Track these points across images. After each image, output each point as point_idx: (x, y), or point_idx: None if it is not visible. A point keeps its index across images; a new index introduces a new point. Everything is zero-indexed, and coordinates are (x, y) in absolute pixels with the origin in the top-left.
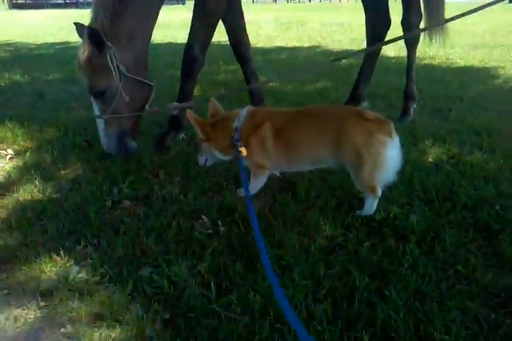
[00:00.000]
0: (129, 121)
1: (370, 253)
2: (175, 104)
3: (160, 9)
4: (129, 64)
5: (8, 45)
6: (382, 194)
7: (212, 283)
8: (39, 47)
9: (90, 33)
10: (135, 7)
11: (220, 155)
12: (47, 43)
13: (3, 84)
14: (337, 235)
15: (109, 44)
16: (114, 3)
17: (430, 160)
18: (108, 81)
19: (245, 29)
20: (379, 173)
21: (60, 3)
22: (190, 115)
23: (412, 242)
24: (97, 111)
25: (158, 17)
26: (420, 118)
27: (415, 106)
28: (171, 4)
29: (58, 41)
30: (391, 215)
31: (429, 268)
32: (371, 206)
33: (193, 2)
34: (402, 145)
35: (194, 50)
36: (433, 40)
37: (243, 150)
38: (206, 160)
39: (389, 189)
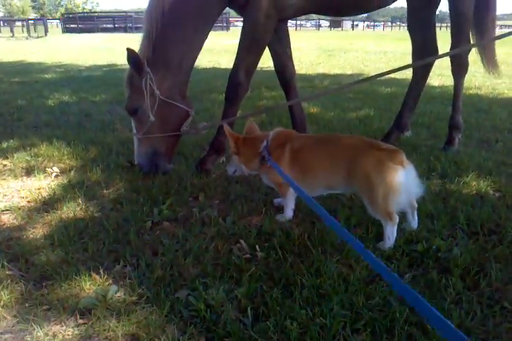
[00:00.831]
0: (162, 142)
1: (412, 285)
2: (203, 123)
3: (204, 40)
4: (165, 89)
5: (59, 66)
6: (424, 225)
7: (249, 308)
8: (88, 69)
9: (130, 57)
10: (177, 37)
11: (245, 169)
12: (95, 65)
13: (52, 104)
14: None
15: (148, 69)
16: (156, 31)
17: (475, 192)
18: (141, 102)
19: (291, 57)
20: (391, 200)
21: (109, 28)
22: (227, 129)
23: (455, 276)
24: (133, 129)
25: (205, 43)
26: (465, 148)
27: (460, 136)
28: (215, 30)
29: (106, 63)
30: (433, 247)
31: (473, 303)
32: (392, 234)
33: (237, 28)
34: (445, 175)
35: (239, 76)
36: (488, 71)
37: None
38: (235, 171)
39: (431, 220)
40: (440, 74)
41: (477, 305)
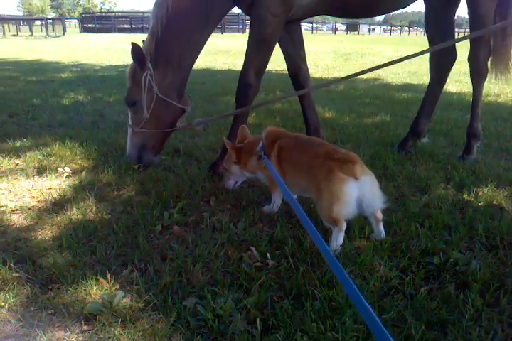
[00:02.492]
0: (152, 136)
1: (428, 299)
2: (198, 119)
3: (206, 40)
4: (164, 87)
5: (76, 66)
6: (441, 236)
7: (258, 319)
8: (103, 69)
9: (133, 50)
10: (179, 36)
11: (247, 173)
12: (111, 65)
13: (67, 104)
14: (392, 277)
15: (149, 65)
16: (160, 30)
17: (495, 203)
18: (139, 96)
19: (305, 60)
20: (336, 208)
21: (126, 28)
22: (228, 142)
23: (474, 291)
24: (129, 120)
25: (219, 44)
26: (484, 157)
27: (479, 144)
28: (231, 32)
29: (121, 64)
30: (451, 260)
31: (493, 321)
32: (336, 239)
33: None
34: (463, 185)
35: (249, 77)
36: (497, 78)
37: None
38: (236, 182)
39: (448, 231)
40: (458, 81)
41: (498, 323)
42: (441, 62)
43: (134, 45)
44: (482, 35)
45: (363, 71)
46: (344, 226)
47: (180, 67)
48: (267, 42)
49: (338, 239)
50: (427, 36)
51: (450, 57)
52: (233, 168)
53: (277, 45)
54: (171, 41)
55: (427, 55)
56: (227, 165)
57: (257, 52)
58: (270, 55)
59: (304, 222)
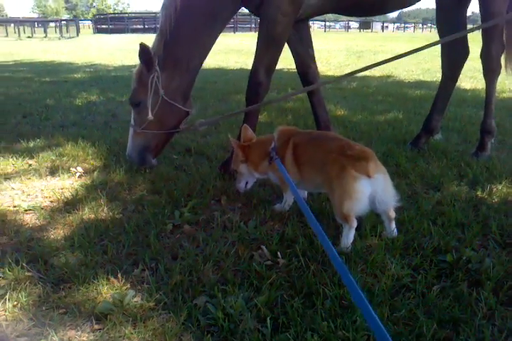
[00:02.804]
0: (154, 138)
1: (440, 297)
2: (200, 120)
3: (214, 41)
4: (170, 90)
5: (89, 66)
6: (454, 233)
7: (268, 318)
8: (116, 69)
9: (141, 51)
10: (187, 36)
11: (257, 174)
12: (124, 66)
13: (80, 104)
14: (403, 275)
15: (157, 67)
16: (168, 30)
17: (509, 199)
18: (144, 97)
19: (314, 58)
20: (348, 206)
21: (139, 28)
22: (234, 141)
23: (487, 289)
24: (132, 120)
25: (231, 43)
26: (498, 154)
27: (493, 141)
28: (244, 31)
29: (134, 64)
30: (464, 257)
31: (507, 320)
32: (347, 237)
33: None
34: (477, 182)
35: (259, 75)
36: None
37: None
38: (246, 183)
39: (461, 229)
40: (472, 77)
41: (511, 322)
42: (453, 58)
43: (142, 46)
44: (494, 31)
45: (368, 66)
46: (355, 223)
47: (187, 69)
48: (276, 41)
49: (349, 236)
50: (439, 35)
51: (462, 52)
52: (241, 167)
53: (286, 44)
54: (179, 42)
55: (440, 51)
56: (235, 166)
57: (266, 51)
58: (280, 54)
59: (312, 224)
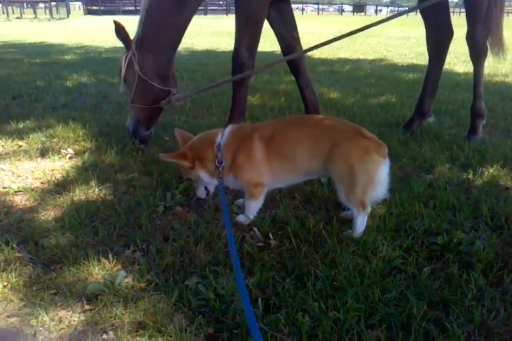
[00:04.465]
0: (141, 112)
1: (430, 279)
2: (177, 95)
3: (186, 23)
4: (144, 66)
5: (80, 48)
6: (445, 216)
7: (259, 299)
8: (107, 50)
9: (116, 29)
10: (157, 18)
11: (210, 179)
12: (115, 47)
13: (70, 85)
14: (395, 257)
15: (133, 45)
16: (143, 13)
17: (500, 183)
18: (126, 74)
19: (298, 39)
20: (371, 191)
21: (131, 10)
22: (167, 155)
23: (477, 271)
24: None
25: (224, 26)
26: (490, 138)
27: (484, 123)
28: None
29: None
30: (454, 240)
31: (496, 301)
32: (362, 224)
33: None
34: (469, 165)
35: (242, 55)
36: (493, 54)
37: (223, 173)
38: (207, 191)
39: (453, 211)
40: (465, 61)
41: (500, 302)
42: (438, 40)
43: (116, 24)
44: (478, 13)
45: (326, 42)
46: (369, 209)
47: (159, 49)
48: (254, 20)
49: (364, 222)
50: (421, 14)
51: (447, 34)
52: (193, 174)
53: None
54: (151, 23)
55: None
56: (186, 175)
57: (246, 30)
58: (260, 32)
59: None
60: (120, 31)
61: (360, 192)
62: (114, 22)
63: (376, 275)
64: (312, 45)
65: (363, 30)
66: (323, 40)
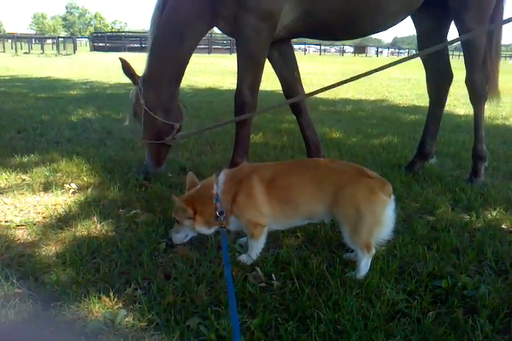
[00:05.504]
0: (150, 147)
1: (435, 324)
2: (181, 133)
3: (186, 59)
4: (148, 100)
5: (85, 83)
6: (449, 259)
7: None
8: (112, 86)
9: (122, 65)
10: (156, 53)
11: (204, 230)
12: (120, 83)
13: (75, 120)
14: (399, 301)
15: (140, 80)
16: (149, 48)
17: (504, 227)
18: (136, 107)
19: (299, 80)
20: (377, 232)
21: (136, 47)
22: (177, 199)
23: (483, 317)
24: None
25: (228, 64)
26: (493, 180)
27: (486, 165)
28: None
29: (130, 82)
30: (459, 284)
31: None
32: (366, 266)
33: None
34: (471, 208)
35: (244, 95)
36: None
37: (225, 223)
38: (186, 236)
39: (457, 254)
40: (465, 104)
41: None
42: (438, 83)
43: (123, 61)
44: (476, 58)
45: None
46: (374, 251)
47: (161, 84)
48: (255, 60)
49: (368, 264)
50: (421, 59)
51: (447, 77)
52: (186, 222)
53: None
54: (154, 59)
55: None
56: (178, 217)
57: (247, 71)
58: (261, 72)
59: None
60: (126, 67)
61: (366, 234)
62: (120, 59)
63: (380, 319)
64: (316, 87)
65: (370, 73)
66: (325, 80)
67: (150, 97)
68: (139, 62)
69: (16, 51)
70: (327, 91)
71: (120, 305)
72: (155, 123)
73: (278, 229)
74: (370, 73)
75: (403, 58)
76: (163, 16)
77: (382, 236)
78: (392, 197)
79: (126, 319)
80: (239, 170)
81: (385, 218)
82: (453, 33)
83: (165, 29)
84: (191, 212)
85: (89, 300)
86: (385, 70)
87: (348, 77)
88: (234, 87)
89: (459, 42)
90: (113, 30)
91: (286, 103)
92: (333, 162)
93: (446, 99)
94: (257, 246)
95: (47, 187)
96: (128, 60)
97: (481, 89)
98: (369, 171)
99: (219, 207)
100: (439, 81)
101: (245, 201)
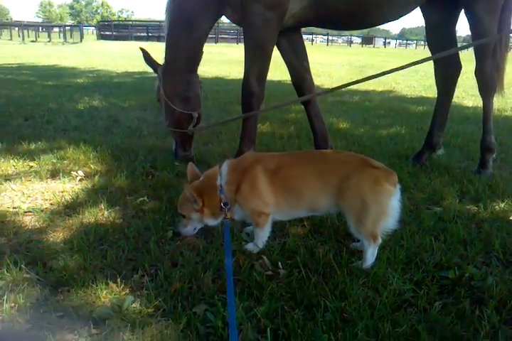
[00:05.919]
0: (174, 134)
1: (442, 314)
2: (199, 126)
3: (196, 47)
4: (166, 88)
5: (92, 72)
6: (456, 250)
7: (268, 328)
8: (119, 75)
9: (143, 55)
10: (170, 42)
11: (212, 221)
12: (127, 72)
13: (82, 108)
14: (405, 290)
15: (159, 69)
16: (165, 39)
17: (511, 218)
18: (158, 96)
19: (309, 69)
20: (383, 222)
21: (143, 36)
22: (188, 190)
23: (490, 307)
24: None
25: (234, 54)
26: (501, 172)
27: (494, 157)
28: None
29: (137, 71)
30: (466, 274)
31: (511, 339)
32: (372, 256)
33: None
34: (479, 199)
35: (251, 84)
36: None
37: (229, 215)
38: (195, 229)
39: (464, 246)
40: (474, 95)
41: None
42: (446, 75)
43: (143, 50)
44: (486, 49)
45: (355, 81)
46: (380, 241)
47: (176, 71)
48: (262, 49)
49: (374, 254)
50: (431, 52)
51: (455, 69)
52: (194, 215)
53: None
54: (169, 48)
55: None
56: (184, 211)
57: (254, 60)
58: (269, 61)
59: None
60: (147, 57)
61: (372, 224)
62: (141, 49)
63: (386, 308)
64: (322, 77)
65: (389, 73)
66: (332, 71)
67: (167, 86)
68: (141, 51)
69: (23, 39)
70: (334, 82)
71: (127, 291)
72: (174, 112)
73: (281, 219)
74: (392, 71)
75: (425, 58)
76: (174, 5)
77: (388, 226)
78: (398, 186)
79: (134, 305)
80: (242, 160)
81: (390, 208)
82: (462, 24)
83: (175, 18)
84: (201, 204)
85: (97, 286)
86: (393, 62)
87: (359, 70)
88: (241, 76)
89: (470, 32)
90: (120, 18)
91: (298, 100)
92: (337, 153)
93: (454, 90)
94: (262, 235)
95: (54, 174)
96: (134, 49)
97: (490, 79)
98: (374, 161)
99: (223, 198)
100: (447, 72)
101: (249, 191)
